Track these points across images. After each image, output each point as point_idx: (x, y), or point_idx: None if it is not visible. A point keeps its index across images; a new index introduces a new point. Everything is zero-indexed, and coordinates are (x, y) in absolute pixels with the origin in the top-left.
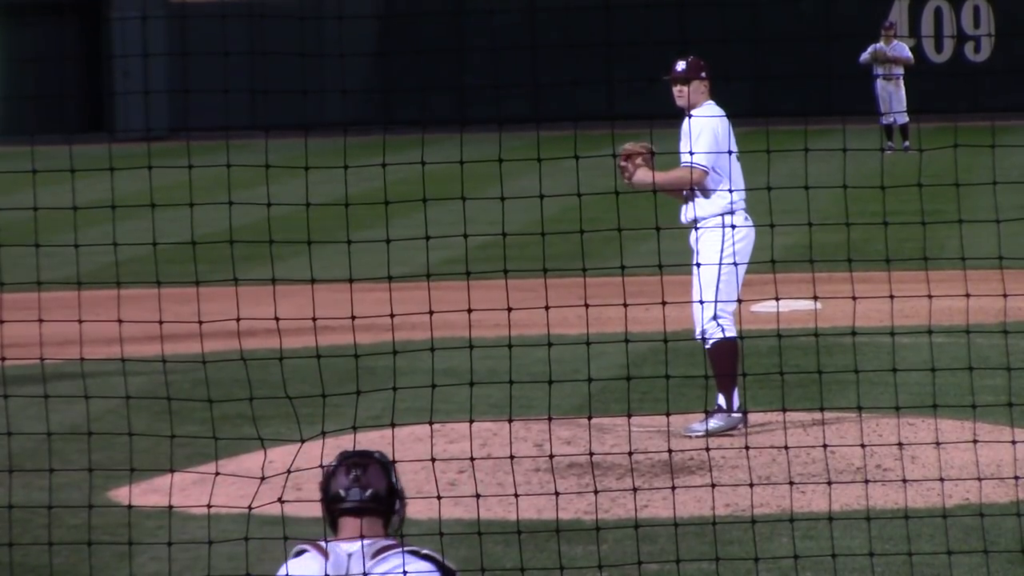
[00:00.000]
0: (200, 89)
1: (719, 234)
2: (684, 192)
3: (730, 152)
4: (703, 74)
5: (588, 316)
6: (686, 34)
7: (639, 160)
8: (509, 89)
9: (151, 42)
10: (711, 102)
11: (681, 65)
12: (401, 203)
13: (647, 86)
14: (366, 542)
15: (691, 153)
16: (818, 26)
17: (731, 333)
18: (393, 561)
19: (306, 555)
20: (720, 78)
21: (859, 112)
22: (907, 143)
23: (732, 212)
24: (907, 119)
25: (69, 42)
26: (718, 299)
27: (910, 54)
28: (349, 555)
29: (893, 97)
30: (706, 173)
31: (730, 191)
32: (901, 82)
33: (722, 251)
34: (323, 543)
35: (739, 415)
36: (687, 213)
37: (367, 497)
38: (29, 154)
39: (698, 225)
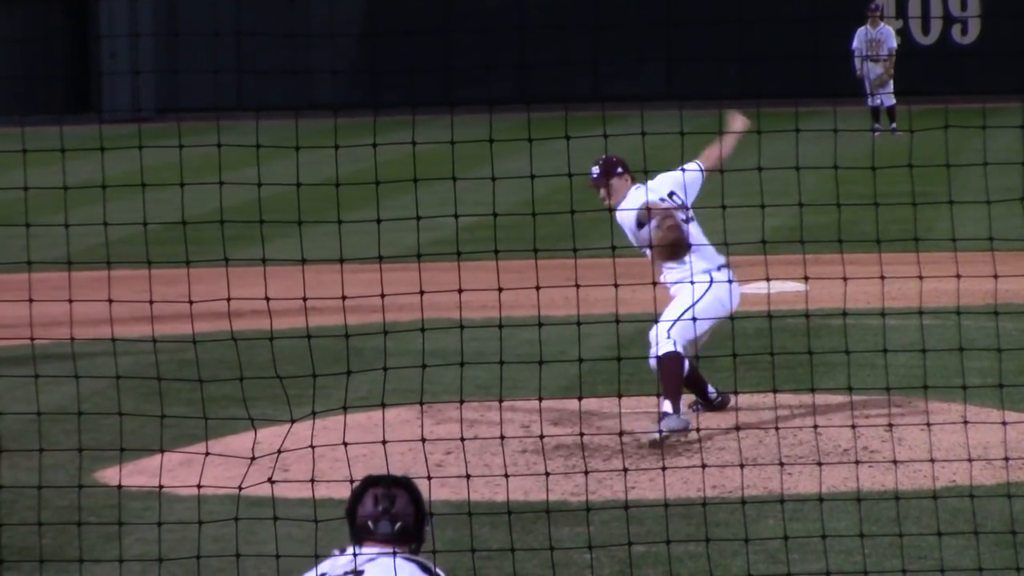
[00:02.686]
0: (188, 70)
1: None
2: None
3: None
4: (619, 169)
5: (577, 298)
6: (673, 15)
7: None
8: (497, 71)
9: (139, 22)
10: (636, 187)
11: (595, 170)
12: (390, 183)
13: (635, 67)
14: (375, 548)
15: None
16: (805, 7)
17: (680, 348)
18: (387, 557)
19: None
20: (709, 59)
21: (847, 94)
22: (894, 125)
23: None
24: (894, 101)
25: (56, 22)
26: (682, 325)
27: (895, 43)
28: (356, 555)
29: (879, 79)
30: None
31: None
32: (878, 67)
33: (694, 292)
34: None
35: (687, 417)
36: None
37: (396, 530)
38: (12, 135)
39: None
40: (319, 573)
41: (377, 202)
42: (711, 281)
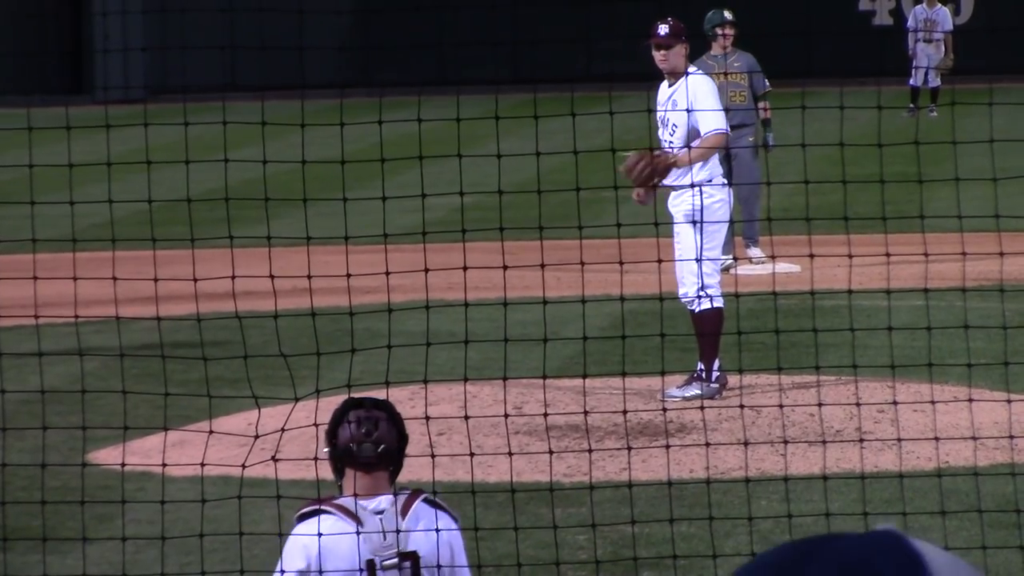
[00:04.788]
0: (182, 50)
1: (699, 201)
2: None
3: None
4: (683, 37)
5: (582, 277)
6: None
7: (649, 159)
8: (491, 51)
9: (130, 0)
10: (692, 66)
11: (663, 29)
12: (375, 165)
13: (628, 47)
14: (387, 499)
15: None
16: None
17: (718, 302)
18: (422, 516)
19: (328, 517)
20: (704, 37)
21: (855, 73)
22: (933, 105)
23: (711, 180)
24: (939, 83)
25: (49, 2)
26: (706, 264)
27: (951, 25)
28: (377, 514)
29: (932, 60)
30: (727, 134)
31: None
32: (942, 45)
33: (702, 215)
34: (342, 502)
35: (716, 385)
36: (683, 177)
37: (380, 453)
38: (5, 116)
39: (676, 192)
40: (361, 535)
41: (383, 182)
42: (726, 184)
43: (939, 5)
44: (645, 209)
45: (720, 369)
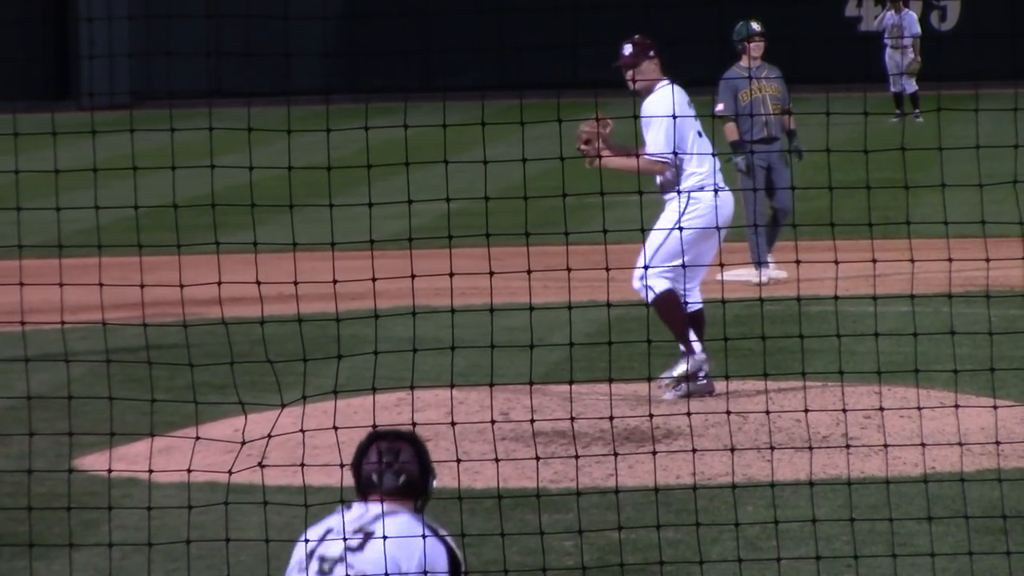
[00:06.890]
0: (168, 56)
1: (679, 206)
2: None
3: (696, 117)
4: (651, 52)
5: (568, 283)
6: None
7: (599, 143)
8: (476, 55)
9: (116, 6)
10: (664, 80)
11: (627, 48)
12: (360, 172)
13: (613, 53)
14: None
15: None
16: None
17: (662, 287)
18: (401, 519)
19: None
20: (689, 41)
21: (841, 80)
22: (917, 111)
23: (702, 188)
24: (916, 87)
25: (34, 6)
26: (654, 262)
27: (919, 29)
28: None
29: (900, 65)
30: (667, 164)
31: (711, 158)
32: (909, 51)
33: (678, 221)
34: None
35: (703, 356)
36: (662, 185)
37: (400, 484)
38: None
39: (666, 198)
40: (326, 528)
41: (369, 188)
42: (688, 201)
43: (906, 9)
44: (632, 215)
45: (707, 375)
